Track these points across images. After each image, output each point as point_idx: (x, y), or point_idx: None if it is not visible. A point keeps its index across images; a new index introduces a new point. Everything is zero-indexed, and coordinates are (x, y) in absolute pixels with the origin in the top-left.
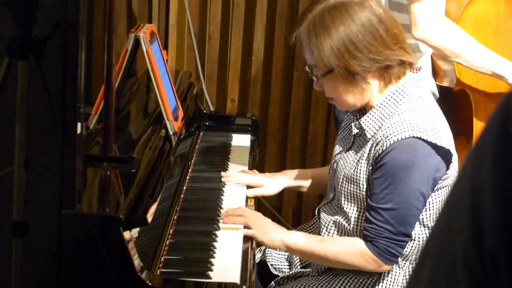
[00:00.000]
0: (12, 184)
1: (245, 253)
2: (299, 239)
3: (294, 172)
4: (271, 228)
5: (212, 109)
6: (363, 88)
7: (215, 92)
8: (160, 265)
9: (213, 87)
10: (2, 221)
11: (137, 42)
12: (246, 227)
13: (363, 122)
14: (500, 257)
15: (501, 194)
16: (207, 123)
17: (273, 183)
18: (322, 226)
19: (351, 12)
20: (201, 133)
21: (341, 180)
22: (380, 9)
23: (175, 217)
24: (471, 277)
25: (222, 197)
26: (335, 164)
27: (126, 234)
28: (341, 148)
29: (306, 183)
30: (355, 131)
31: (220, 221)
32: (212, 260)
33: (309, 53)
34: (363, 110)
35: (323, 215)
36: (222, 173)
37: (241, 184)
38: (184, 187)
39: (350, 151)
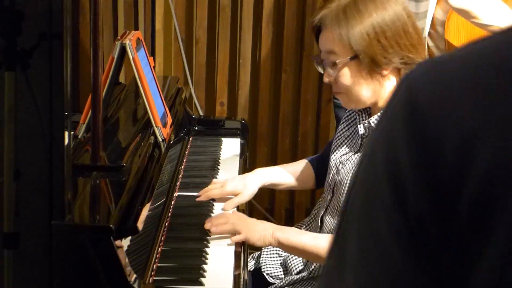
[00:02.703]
0: (2, 195)
1: (237, 259)
2: (291, 235)
3: (267, 169)
4: (259, 226)
5: (201, 113)
6: (379, 83)
7: (204, 96)
8: (152, 273)
9: (202, 91)
10: None
11: (123, 50)
12: (235, 232)
13: (373, 122)
14: (426, 216)
15: (420, 166)
16: (196, 128)
17: (246, 187)
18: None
19: (384, 2)
20: (191, 138)
21: (347, 181)
22: (408, 7)
23: (167, 224)
24: (399, 240)
25: (214, 202)
26: (340, 165)
27: (117, 243)
28: (347, 150)
29: (281, 179)
30: (362, 131)
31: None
32: (204, 266)
33: (333, 37)
34: (368, 111)
35: (326, 219)
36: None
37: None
38: (175, 194)
39: (359, 153)
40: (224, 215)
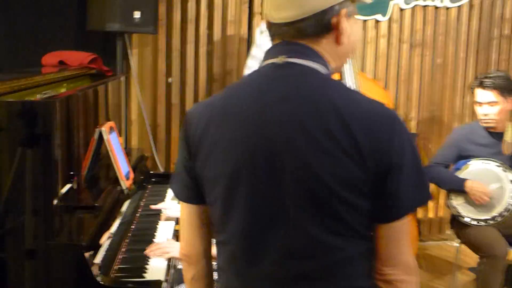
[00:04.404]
0: None
1: (169, 261)
2: None
3: None
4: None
5: (161, 170)
6: None
7: (164, 159)
8: (114, 271)
9: (163, 156)
10: None
11: (100, 134)
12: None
13: None
14: (373, 168)
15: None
16: (153, 180)
17: None
18: None
19: None
20: (149, 186)
21: None
22: None
23: (127, 240)
24: (362, 188)
25: (157, 226)
26: None
27: (87, 255)
28: None
29: None
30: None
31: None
32: (147, 266)
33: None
34: None
35: None
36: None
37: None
38: (135, 221)
39: None
40: (155, 245)
